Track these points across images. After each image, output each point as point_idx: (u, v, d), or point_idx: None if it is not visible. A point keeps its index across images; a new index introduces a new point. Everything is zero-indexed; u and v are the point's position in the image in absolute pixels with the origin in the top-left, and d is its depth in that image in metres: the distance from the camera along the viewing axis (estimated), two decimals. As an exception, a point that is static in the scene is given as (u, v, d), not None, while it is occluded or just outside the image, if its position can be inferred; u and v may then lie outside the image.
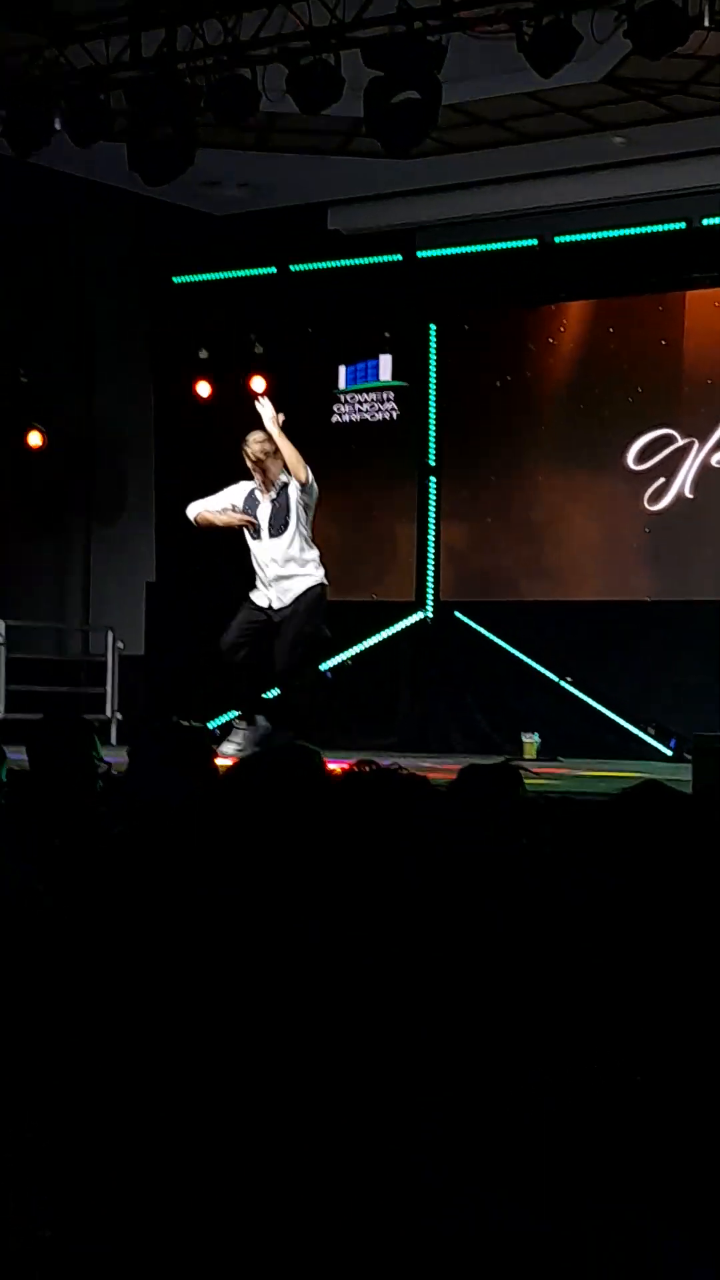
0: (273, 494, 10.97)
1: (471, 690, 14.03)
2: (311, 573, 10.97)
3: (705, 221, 12.97)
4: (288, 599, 10.95)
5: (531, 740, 13.13)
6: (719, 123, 11.79)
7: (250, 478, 11.06)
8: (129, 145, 10.59)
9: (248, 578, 14.81)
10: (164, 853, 3.65)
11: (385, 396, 14.55)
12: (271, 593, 11.03)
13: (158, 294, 15.12)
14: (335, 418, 14.69)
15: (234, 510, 11.15)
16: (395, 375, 14.50)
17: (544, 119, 11.90)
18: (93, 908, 3.12)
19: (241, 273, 14.74)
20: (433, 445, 14.38)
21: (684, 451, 13.21)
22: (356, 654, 14.47)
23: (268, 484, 10.96)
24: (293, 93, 10.06)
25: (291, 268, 14.60)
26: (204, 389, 14.93)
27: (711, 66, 10.81)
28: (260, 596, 11.13)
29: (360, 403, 14.64)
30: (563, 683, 13.53)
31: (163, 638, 15.26)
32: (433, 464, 14.39)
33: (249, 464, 11.00)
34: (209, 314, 14.87)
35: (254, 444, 10.96)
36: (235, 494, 11.17)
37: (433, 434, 14.37)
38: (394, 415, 14.51)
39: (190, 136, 10.49)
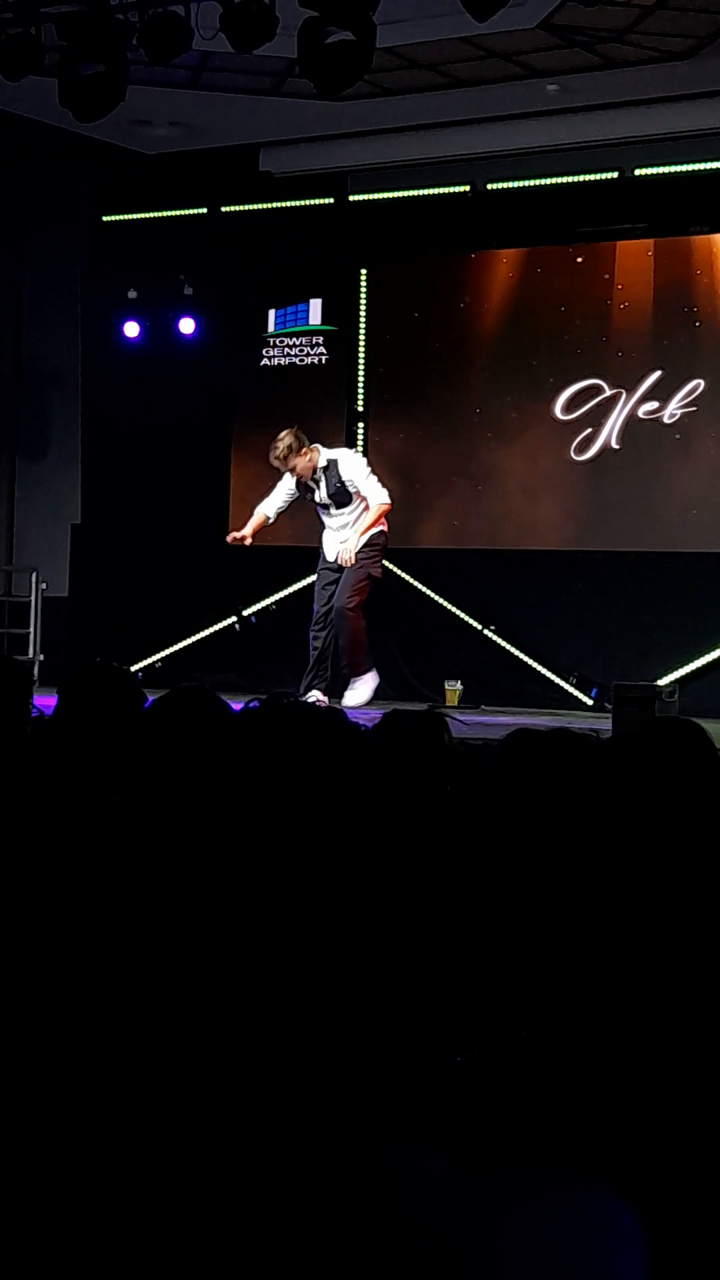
0: (320, 478, 11.95)
1: (395, 637, 14.04)
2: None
3: (637, 172, 12.97)
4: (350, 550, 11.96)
5: (454, 688, 13.18)
6: (653, 72, 11.78)
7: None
8: (60, 81, 10.48)
9: (172, 519, 14.82)
10: (97, 796, 3.64)
11: (315, 340, 14.50)
12: (338, 547, 12.00)
13: (87, 232, 15.01)
14: (264, 361, 14.64)
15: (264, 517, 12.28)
16: (325, 319, 14.46)
17: (478, 65, 11.86)
18: (24, 856, 3.10)
19: (172, 213, 14.63)
20: (361, 390, 14.35)
21: (611, 402, 13.24)
22: (281, 599, 14.47)
23: (310, 474, 11.95)
24: (226, 31, 9.99)
25: (222, 209, 14.51)
26: (132, 329, 14.86)
27: (647, 15, 10.80)
28: (329, 550, 12.11)
29: (289, 346, 14.59)
30: (486, 631, 13.57)
31: (87, 580, 15.21)
32: (361, 409, 14.36)
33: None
34: (139, 253, 14.79)
35: (272, 456, 12.02)
36: (286, 484, 12.14)
37: (361, 379, 14.34)
38: (323, 359, 14.48)
39: (121, 73, 10.40)
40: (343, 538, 11.94)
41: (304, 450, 11.88)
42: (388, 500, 11.98)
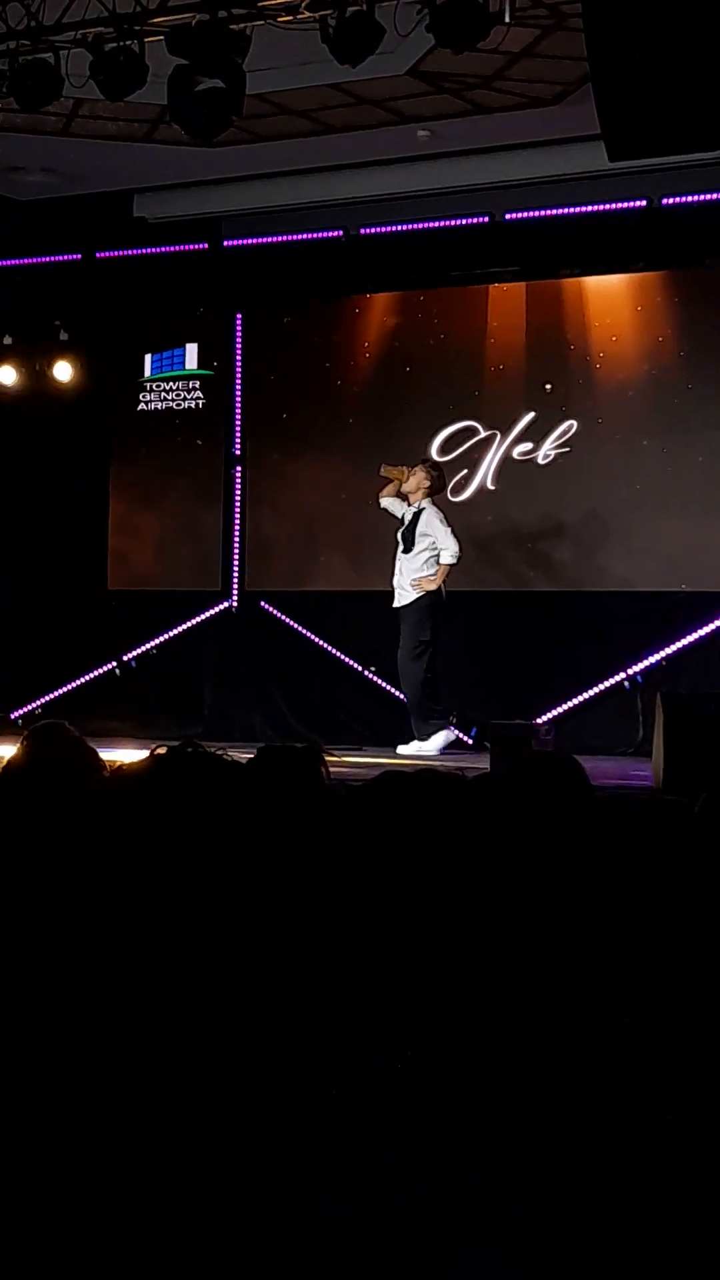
0: (409, 512, 12.48)
1: (276, 680, 14.07)
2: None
3: (508, 216, 13.11)
4: (402, 602, 12.40)
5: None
6: (522, 118, 11.91)
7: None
8: (-70, 128, 10.48)
9: (50, 564, 14.79)
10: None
11: (191, 385, 14.53)
12: (397, 593, 12.44)
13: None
14: (141, 405, 14.65)
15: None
16: (201, 364, 14.50)
17: (349, 111, 11.94)
18: None
19: (47, 259, 14.61)
20: (238, 434, 14.39)
21: (486, 444, 13.36)
22: (162, 643, 14.46)
23: (409, 497, 12.53)
24: (96, 79, 10.01)
25: (97, 254, 14.52)
26: (8, 374, 14.82)
27: (514, 62, 10.92)
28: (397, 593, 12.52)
29: (166, 391, 14.61)
30: (366, 672, 13.62)
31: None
32: (238, 453, 14.40)
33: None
34: (13, 299, 14.76)
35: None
36: (393, 500, 12.66)
37: (238, 423, 14.39)
38: (200, 404, 14.51)
39: (-8, 120, 10.42)
40: (400, 584, 12.35)
41: (428, 476, 12.41)
42: (451, 559, 12.26)
